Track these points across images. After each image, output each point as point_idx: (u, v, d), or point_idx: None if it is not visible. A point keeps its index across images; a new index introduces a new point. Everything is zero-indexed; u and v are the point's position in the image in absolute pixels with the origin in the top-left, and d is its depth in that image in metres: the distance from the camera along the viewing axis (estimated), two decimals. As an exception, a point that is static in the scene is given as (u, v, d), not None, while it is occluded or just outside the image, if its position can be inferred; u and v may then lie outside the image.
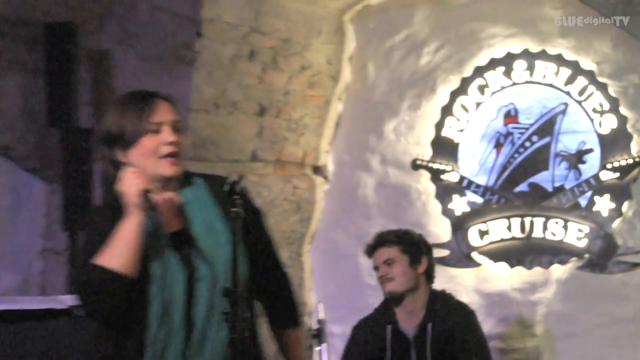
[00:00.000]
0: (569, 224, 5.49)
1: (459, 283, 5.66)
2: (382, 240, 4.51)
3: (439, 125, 5.82)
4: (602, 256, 5.42)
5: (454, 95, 5.80)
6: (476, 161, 5.74)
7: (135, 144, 2.74)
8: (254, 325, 2.82)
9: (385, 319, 4.46)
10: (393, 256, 4.43)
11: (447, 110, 5.81)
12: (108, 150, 2.80)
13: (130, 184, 2.66)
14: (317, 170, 6.18)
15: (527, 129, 5.65)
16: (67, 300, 4.04)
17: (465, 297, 5.55)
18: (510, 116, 5.69)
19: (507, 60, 5.71)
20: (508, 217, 5.61)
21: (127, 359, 2.71)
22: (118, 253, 2.63)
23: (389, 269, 4.43)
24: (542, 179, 5.61)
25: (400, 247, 4.44)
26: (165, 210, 2.76)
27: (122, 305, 2.64)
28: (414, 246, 4.46)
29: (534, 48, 5.68)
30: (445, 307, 4.41)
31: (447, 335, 4.31)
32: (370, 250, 4.54)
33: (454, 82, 5.82)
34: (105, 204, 2.89)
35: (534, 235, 5.55)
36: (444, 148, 5.79)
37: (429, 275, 4.49)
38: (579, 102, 5.56)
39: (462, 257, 5.68)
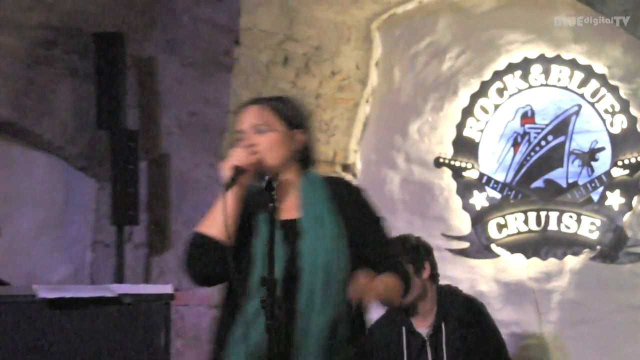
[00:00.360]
0: (582, 217, 5.52)
1: (479, 273, 5.72)
2: None
3: (460, 126, 5.89)
4: (613, 248, 5.44)
5: (474, 97, 5.87)
6: (495, 159, 5.79)
7: None
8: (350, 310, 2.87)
9: (399, 321, 4.36)
10: None
11: (467, 112, 5.88)
12: None
13: (228, 160, 2.81)
14: (347, 168, 6.26)
15: (542, 129, 5.69)
16: (116, 289, 4.03)
17: (485, 286, 5.64)
18: (527, 117, 5.74)
19: (524, 65, 5.74)
20: (525, 212, 5.64)
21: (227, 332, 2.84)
22: (212, 221, 2.82)
23: None
24: (556, 175, 5.63)
25: (403, 258, 4.13)
26: (281, 198, 2.87)
27: (218, 269, 2.80)
28: (415, 253, 4.32)
29: (550, 53, 5.69)
30: (455, 303, 4.34)
31: (460, 331, 4.27)
32: None
33: (474, 86, 5.89)
34: None
35: (549, 228, 5.58)
36: (465, 147, 5.86)
37: (434, 276, 4.37)
38: (592, 104, 5.59)
39: (481, 248, 5.72)
